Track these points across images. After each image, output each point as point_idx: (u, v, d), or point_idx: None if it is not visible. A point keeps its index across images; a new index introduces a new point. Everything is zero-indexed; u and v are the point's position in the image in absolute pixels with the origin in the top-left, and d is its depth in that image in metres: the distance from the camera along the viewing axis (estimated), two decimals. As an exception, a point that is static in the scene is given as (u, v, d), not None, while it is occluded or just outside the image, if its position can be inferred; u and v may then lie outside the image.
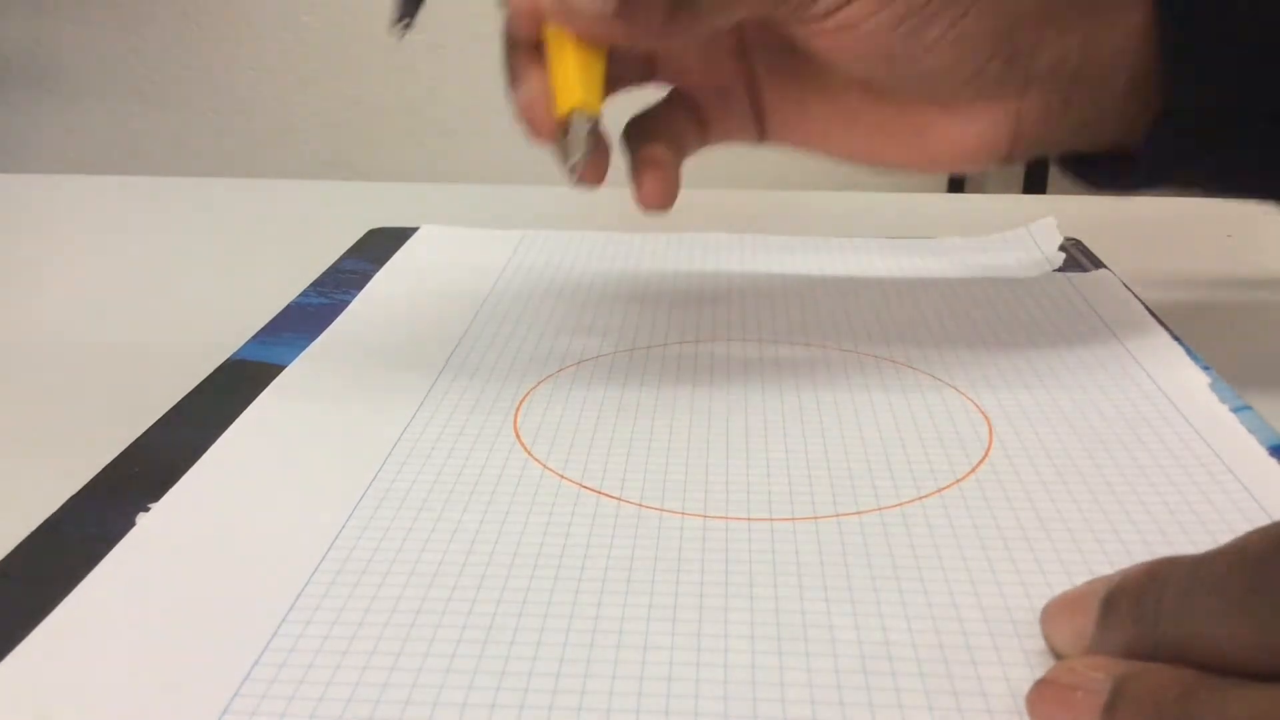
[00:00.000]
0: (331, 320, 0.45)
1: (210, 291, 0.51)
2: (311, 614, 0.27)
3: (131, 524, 0.31)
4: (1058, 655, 0.26)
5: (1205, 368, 0.39)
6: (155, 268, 0.54)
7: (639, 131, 0.39)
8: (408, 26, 0.37)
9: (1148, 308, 0.45)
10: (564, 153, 0.36)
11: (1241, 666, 0.21)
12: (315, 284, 0.50)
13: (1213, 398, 0.37)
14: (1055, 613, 0.26)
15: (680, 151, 0.39)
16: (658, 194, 0.38)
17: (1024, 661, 0.25)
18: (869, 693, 0.24)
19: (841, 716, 0.24)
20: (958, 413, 0.38)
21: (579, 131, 0.36)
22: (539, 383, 0.40)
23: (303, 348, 0.43)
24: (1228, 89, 0.36)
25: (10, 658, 0.26)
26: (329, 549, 0.30)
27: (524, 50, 0.37)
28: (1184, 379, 0.39)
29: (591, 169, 0.36)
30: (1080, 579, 0.28)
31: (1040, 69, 0.36)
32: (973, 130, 0.37)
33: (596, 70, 0.36)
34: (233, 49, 1.97)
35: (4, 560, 0.29)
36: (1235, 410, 0.36)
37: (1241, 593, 0.22)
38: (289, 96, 1.99)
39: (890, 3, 0.34)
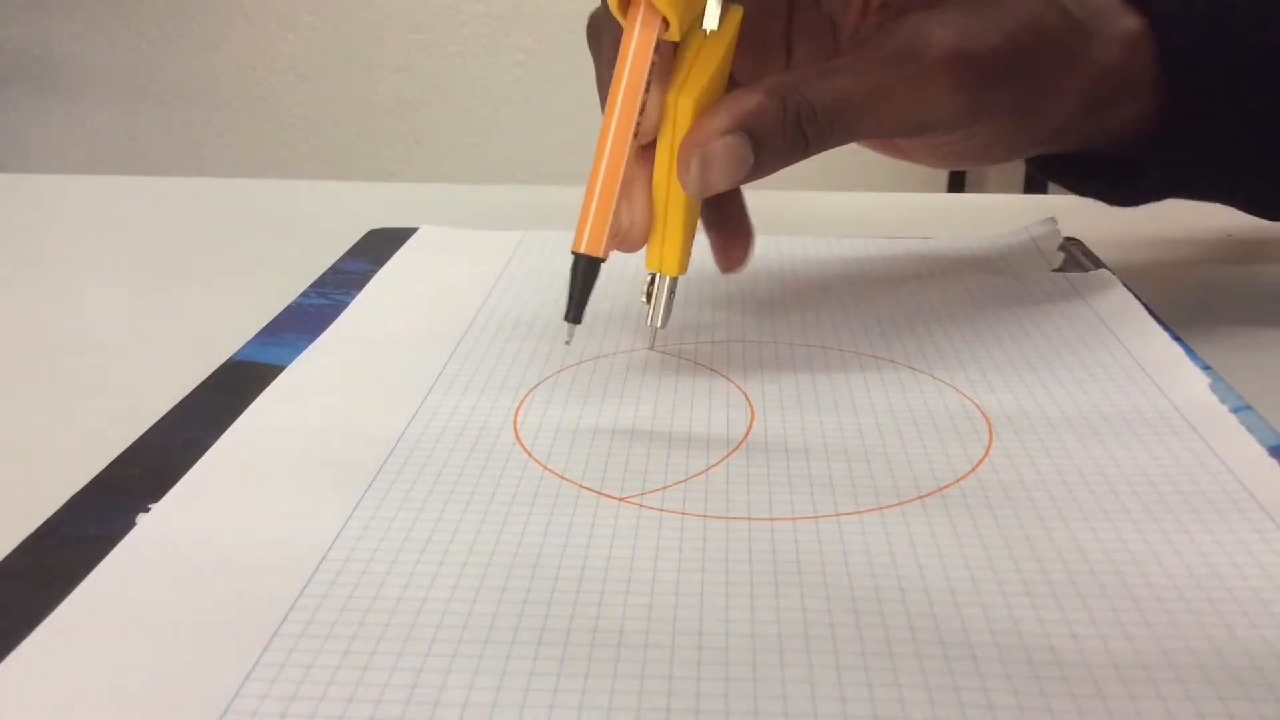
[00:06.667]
0: (331, 321, 0.45)
1: (210, 291, 0.51)
2: (312, 614, 0.27)
3: (132, 524, 0.31)
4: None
5: (1205, 368, 0.39)
6: (155, 268, 0.54)
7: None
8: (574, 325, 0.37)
9: (1147, 308, 0.45)
10: (651, 307, 0.38)
11: None
12: (315, 284, 0.50)
13: (1213, 398, 0.37)
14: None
15: None
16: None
17: (1026, 659, 0.25)
18: (870, 688, 0.25)
19: (843, 715, 0.24)
20: (958, 413, 0.38)
21: (662, 291, 0.38)
22: (539, 383, 0.40)
23: (303, 348, 0.43)
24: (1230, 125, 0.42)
25: (10, 658, 0.26)
26: (329, 549, 0.30)
27: (634, 155, 0.36)
28: (1184, 379, 0.39)
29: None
30: (1081, 578, 0.28)
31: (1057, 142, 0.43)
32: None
33: (692, 236, 0.38)
34: (233, 49, 1.97)
35: (4, 560, 0.29)
36: (1235, 410, 0.36)
37: None
38: (289, 96, 1.99)
39: (973, 138, 0.40)
